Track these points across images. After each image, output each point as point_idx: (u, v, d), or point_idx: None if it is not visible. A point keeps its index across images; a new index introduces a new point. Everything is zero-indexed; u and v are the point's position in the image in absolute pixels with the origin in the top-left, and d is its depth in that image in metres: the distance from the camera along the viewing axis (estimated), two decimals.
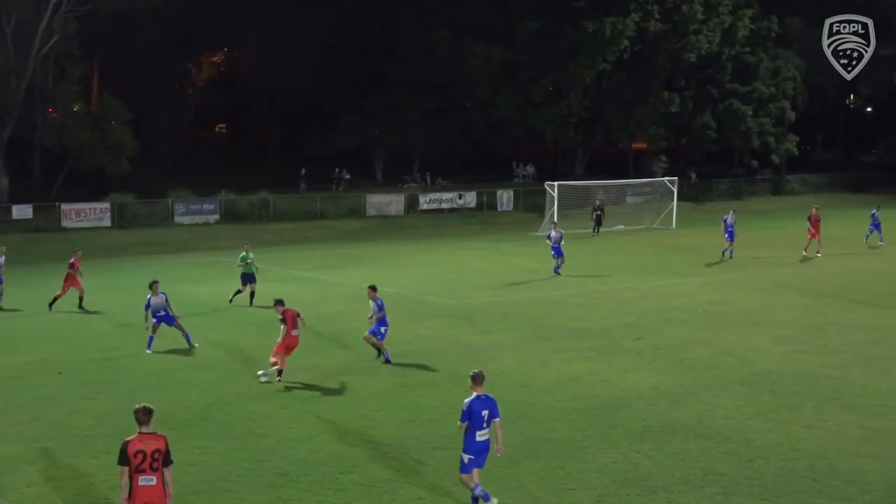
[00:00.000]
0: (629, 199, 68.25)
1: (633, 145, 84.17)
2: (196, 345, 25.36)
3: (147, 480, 11.68)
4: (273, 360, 21.69)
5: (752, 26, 78.01)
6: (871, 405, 19.61)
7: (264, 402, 20.11)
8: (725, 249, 43.22)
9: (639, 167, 79.46)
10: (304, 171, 69.61)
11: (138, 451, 11.65)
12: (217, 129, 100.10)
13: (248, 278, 32.10)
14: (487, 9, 73.62)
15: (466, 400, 14.00)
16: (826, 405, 19.61)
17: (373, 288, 23.60)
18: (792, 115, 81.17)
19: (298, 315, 21.95)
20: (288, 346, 21.62)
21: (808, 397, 20.19)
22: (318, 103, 79.03)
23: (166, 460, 11.79)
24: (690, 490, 15.14)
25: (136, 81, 73.67)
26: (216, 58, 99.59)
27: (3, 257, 33.37)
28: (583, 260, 42.49)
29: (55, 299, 31.49)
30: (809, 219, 43.47)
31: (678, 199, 61.99)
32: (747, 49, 78.34)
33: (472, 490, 14.22)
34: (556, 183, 57.17)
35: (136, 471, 11.65)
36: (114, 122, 63.66)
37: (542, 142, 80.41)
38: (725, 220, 43.79)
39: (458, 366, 18.48)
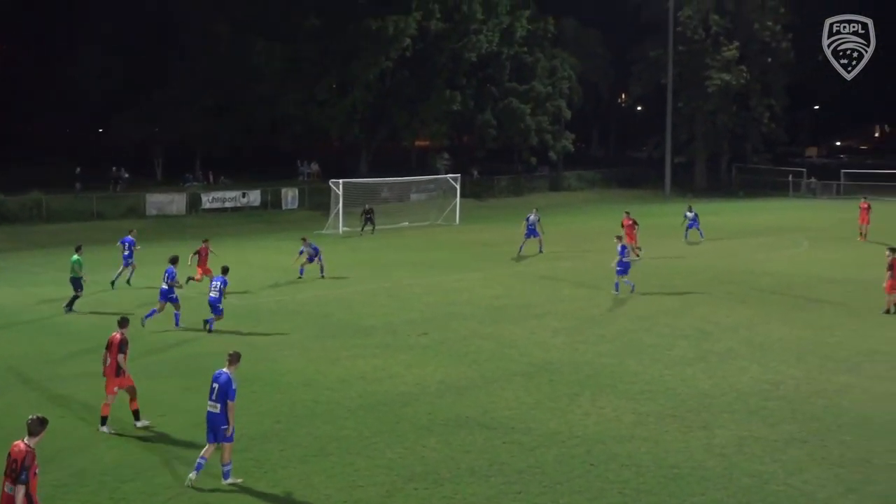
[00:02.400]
0: (413, 197, 69.01)
1: (417, 143, 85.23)
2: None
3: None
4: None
5: (530, 27, 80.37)
6: (643, 390, 20.62)
7: (41, 412, 19.20)
8: (522, 246, 43.78)
9: (422, 164, 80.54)
10: (79, 169, 66.83)
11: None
12: None
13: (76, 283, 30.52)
14: (268, 5, 72.72)
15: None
16: (602, 392, 20.48)
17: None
18: (568, 114, 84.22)
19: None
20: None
21: (586, 385, 21.03)
22: (94, 99, 76.00)
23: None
24: (476, 480, 15.52)
25: None
26: None
27: (133, 238, 35.85)
28: (367, 257, 42.72)
29: None
30: (622, 225, 42.29)
31: (461, 195, 63.11)
32: (525, 49, 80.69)
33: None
34: (340, 181, 57.12)
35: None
36: None
37: (326, 139, 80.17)
38: (528, 219, 44.44)
39: (244, 366, 18.25)
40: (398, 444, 17.26)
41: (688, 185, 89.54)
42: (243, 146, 77.03)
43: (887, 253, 29.32)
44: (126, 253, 35.50)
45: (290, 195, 67.20)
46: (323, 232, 53.17)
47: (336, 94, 72.58)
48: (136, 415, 18.37)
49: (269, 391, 20.62)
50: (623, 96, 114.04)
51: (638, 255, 40.50)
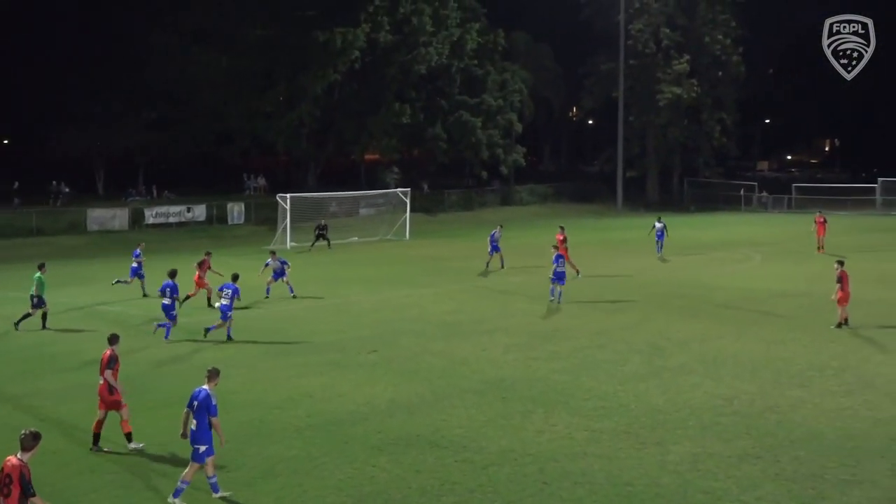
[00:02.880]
0: (363, 211, 68.89)
1: (366, 157, 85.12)
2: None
3: None
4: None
5: (480, 40, 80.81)
6: (596, 407, 20.67)
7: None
8: (488, 262, 43.76)
9: (372, 179, 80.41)
10: (17, 184, 65.93)
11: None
12: None
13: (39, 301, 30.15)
14: (213, 15, 72.31)
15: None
16: (555, 409, 20.50)
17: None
18: (519, 127, 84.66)
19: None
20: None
21: (539, 402, 21.04)
22: (32, 111, 74.96)
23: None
24: (427, 501, 15.45)
25: None
26: None
27: (140, 250, 37.40)
28: (317, 273, 42.54)
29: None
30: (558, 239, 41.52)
31: (411, 210, 63.11)
32: (475, 62, 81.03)
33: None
34: (288, 195, 56.90)
35: None
36: None
37: (273, 152, 79.86)
38: (492, 235, 44.14)
39: (183, 388, 18.11)
40: (347, 464, 17.13)
41: (640, 199, 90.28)
42: (188, 160, 76.46)
43: (835, 266, 29.73)
44: (135, 265, 37.01)
45: (236, 210, 66.79)
46: (270, 248, 52.81)
47: (283, 107, 72.41)
48: (129, 437, 18.13)
49: None
50: (574, 110, 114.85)
51: (578, 273, 40.08)
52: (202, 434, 15.23)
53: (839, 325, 29.09)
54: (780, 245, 54.23)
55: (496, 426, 19.35)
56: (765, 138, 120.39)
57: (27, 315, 30.01)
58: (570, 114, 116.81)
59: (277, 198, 57.75)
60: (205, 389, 15.43)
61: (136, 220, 62.32)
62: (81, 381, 22.55)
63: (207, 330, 28.13)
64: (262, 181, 79.74)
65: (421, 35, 74.58)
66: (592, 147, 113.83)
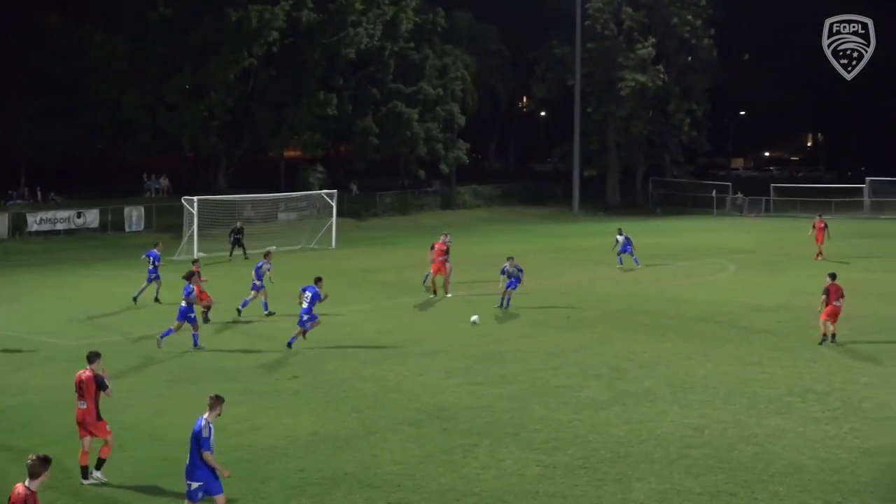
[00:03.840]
0: (282, 216, 68.65)
1: (286, 153, 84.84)
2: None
3: None
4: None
5: (417, 19, 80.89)
6: (549, 439, 20.78)
7: None
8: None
9: (293, 179, 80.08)
10: None
11: None
12: None
13: None
14: None
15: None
16: (503, 442, 20.58)
17: None
18: (462, 120, 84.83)
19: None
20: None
21: (484, 434, 21.11)
22: None
23: None
24: None
25: None
26: None
27: (159, 252, 38.82)
28: (228, 287, 42.27)
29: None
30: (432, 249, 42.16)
31: (338, 214, 63.01)
32: (411, 45, 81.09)
33: None
34: (195, 198, 56.51)
35: None
36: None
37: (178, 149, 79.27)
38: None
39: (72, 420, 18.04)
40: None
41: (599, 201, 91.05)
42: (79, 157, 75.62)
43: (827, 279, 30.33)
44: (151, 268, 38.23)
45: (134, 215, 66.24)
46: (175, 258, 52.43)
47: (189, 97, 71.87)
48: (100, 464, 18.47)
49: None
50: (524, 100, 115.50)
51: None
52: (194, 469, 15.37)
53: (822, 342, 29.60)
54: (757, 253, 54.95)
55: (435, 461, 19.38)
56: (740, 133, 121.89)
57: None
58: (520, 104, 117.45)
59: (183, 201, 57.30)
60: (202, 419, 15.51)
61: (17, 226, 61.49)
62: None
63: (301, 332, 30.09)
64: (165, 182, 79.10)
65: (349, 14, 74.44)
66: (545, 142, 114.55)
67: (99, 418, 18.55)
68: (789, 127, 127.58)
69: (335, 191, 65.20)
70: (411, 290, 41.72)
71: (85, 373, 18.65)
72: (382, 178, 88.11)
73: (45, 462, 12.55)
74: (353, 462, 19.36)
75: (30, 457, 12.60)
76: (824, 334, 29.92)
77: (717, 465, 19.02)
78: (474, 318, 33.52)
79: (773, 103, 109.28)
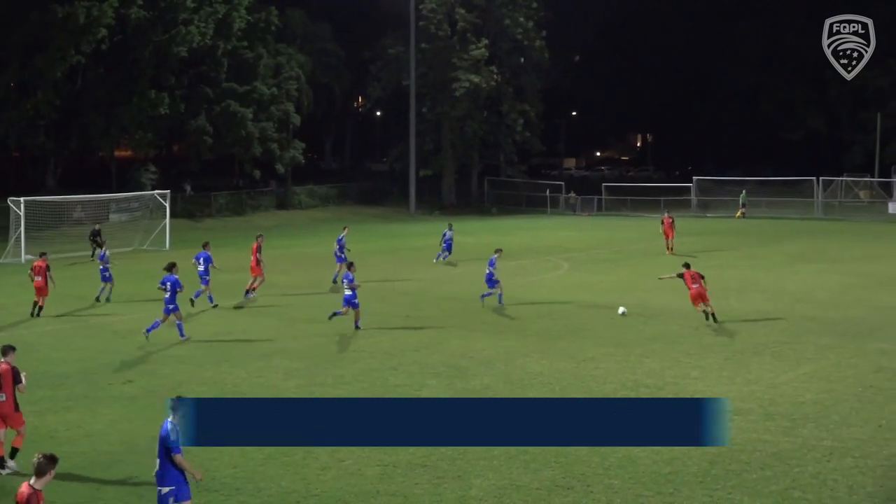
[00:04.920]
0: (113, 217, 67.41)
1: (117, 153, 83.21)
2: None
3: None
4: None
5: (250, 17, 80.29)
6: None
7: None
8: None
9: (124, 179, 78.55)
10: None
11: None
12: None
13: None
14: None
15: None
16: None
17: None
18: (297, 119, 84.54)
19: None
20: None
21: None
22: None
23: None
24: None
25: None
26: None
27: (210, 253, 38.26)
28: (59, 289, 41.28)
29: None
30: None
31: (172, 215, 62.13)
32: (245, 43, 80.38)
33: None
34: (21, 199, 55.05)
35: None
36: None
37: (4, 149, 77.07)
38: (339, 240, 44.64)
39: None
40: None
41: (435, 200, 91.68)
42: None
43: (682, 269, 33.26)
44: (201, 269, 37.75)
45: None
46: (1, 261, 50.90)
47: (15, 95, 70.03)
48: (13, 453, 19.09)
49: None
50: (360, 100, 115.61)
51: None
52: (165, 473, 15.16)
53: (709, 318, 32.68)
54: (590, 251, 56.09)
55: (275, 464, 19.27)
56: (572, 133, 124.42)
57: None
58: (356, 104, 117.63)
59: (9, 202, 55.76)
60: (168, 423, 15.32)
61: None
62: None
63: (336, 314, 32.74)
64: None
65: (180, 12, 73.57)
66: (381, 142, 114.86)
67: (17, 409, 19.23)
68: (619, 127, 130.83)
69: (168, 191, 64.37)
70: (255, 290, 41.33)
71: (2, 365, 19.20)
72: (217, 179, 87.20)
73: (51, 461, 12.57)
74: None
75: (36, 455, 12.58)
76: (705, 313, 32.70)
77: (554, 460, 19.34)
78: (622, 309, 34.46)
79: (604, 104, 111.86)
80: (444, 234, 51.33)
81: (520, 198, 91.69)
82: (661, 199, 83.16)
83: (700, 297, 32.51)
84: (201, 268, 37.45)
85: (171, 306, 30.82)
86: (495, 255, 38.24)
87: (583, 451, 19.88)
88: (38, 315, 35.29)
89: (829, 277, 43.89)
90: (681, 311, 33.79)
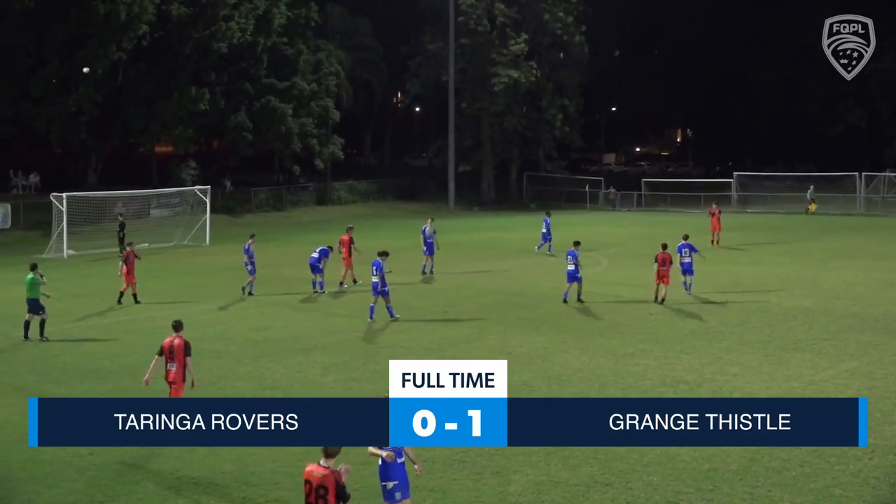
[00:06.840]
0: (154, 213, 67.70)
1: (158, 149, 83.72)
2: None
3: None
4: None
5: (290, 14, 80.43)
6: None
7: None
8: (424, 264, 45.39)
9: (165, 175, 78.99)
10: None
11: None
12: None
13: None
14: None
15: None
16: None
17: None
18: (336, 115, 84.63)
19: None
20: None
21: None
22: None
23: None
24: None
25: None
26: None
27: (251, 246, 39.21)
28: (99, 285, 41.55)
29: None
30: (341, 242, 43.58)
31: (212, 211, 62.43)
32: (285, 39, 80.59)
33: None
34: (64, 195, 55.44)
35: None
36: None
37: (45, 145, 77.63)
38: (424, 231, 45.48)
39: None
40: None
41: (474, 196, 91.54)
42: None
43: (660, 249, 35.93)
44: (247, 262, 39.15)
45: (0, 213, 64.74)
46: (45, 256, 51.31)
47: (56, 91, 70.48)
48: None
49: None
50: (399, 95, 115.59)
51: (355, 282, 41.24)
52: (387, 469, 15.23)
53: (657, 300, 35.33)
54: (630, 247, 55.78)
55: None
56: (611, 128, 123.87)
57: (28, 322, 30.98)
58: (395, 100, 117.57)
59: (51, 198, 56.18)
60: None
61: None
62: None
63: (390, 313, 33.38)
64: (34, 179, 77.47)
65: (220, 8, 73.76)
66: (420, 138, 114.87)
67: (183, 380, 21.01)
68: (659, 122, 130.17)
69: (208, 187, 64.66)
70: (287, 287, 41.44)
71: (176, 340, 20.86)
72: (257, 175, 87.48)
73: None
74: (230, 461, 19.17)
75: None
76: (656, 297, 35.63)
77: (593, 457, 19.27)
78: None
79: (643, 99, 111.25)
80: (545, 222, 53.34)
81: (559, 193, 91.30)
82: (701, 194, 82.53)
83: (663, 279, 35.77)
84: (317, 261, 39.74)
85: (384, 289, 33.15)
86: (575, 249, 37.88)
87: (621, 448, 19.76)
88: (137, 302, 37.26)
89: (870, 274, 43.41)
90: (720, 307, 33.54)
